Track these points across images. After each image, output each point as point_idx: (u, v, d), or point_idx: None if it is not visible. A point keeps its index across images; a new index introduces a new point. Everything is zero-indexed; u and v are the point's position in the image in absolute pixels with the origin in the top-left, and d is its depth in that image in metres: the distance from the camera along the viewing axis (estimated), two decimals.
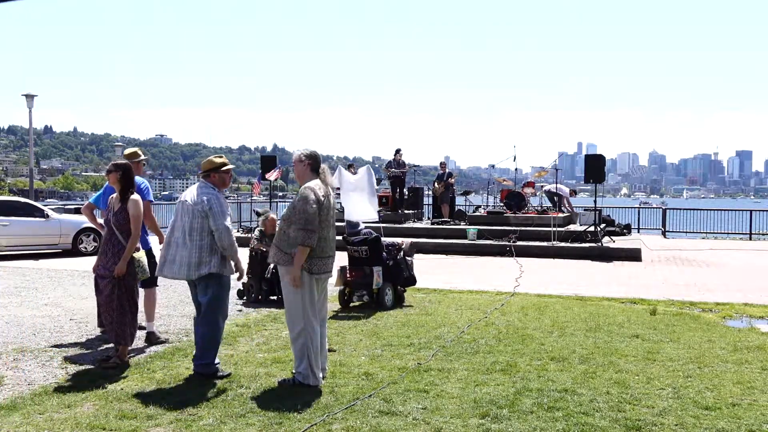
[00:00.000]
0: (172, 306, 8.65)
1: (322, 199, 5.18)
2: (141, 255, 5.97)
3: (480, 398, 4.88)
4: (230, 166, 5.69)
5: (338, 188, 21.65)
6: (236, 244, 5.49)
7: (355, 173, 20.90)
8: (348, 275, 8.77)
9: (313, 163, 5.35)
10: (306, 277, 5.17)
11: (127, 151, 6.93)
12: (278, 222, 5.50)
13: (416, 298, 9.34)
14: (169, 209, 23.73)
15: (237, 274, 5.64)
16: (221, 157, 5.71)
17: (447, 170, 19.80)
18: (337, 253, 5.65)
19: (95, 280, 6.06)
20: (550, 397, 4.89)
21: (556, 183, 19.88)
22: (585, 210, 18.07)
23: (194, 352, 5.54)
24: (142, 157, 6.99)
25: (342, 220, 10.18)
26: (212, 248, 5.38)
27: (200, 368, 5.42)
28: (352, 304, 8.79)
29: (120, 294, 5.77)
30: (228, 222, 5.42)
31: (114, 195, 5.99)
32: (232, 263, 5.54)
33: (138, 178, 6.79)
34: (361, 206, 10.31)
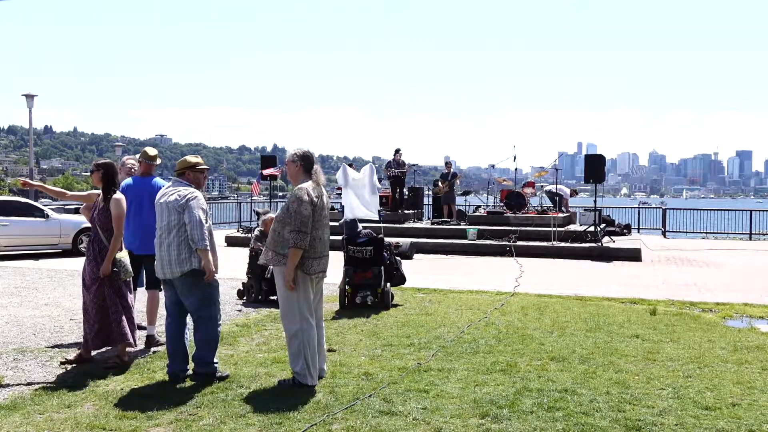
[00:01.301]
0: None
1: (316, 200, 5.19)
2: (122, 254, 5.92)
3: (480, 398, 4.88)
4: (205, 167, 5.64)
5: (339, 187, 21.61)
6: (207, 242, 5.25)
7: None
8: (355, 276, 8.71)
9: (305, 164, 5.34)
10: (301, 277, 5.17)
11: (151, 152, 6.88)
12: (272, 223, 5.46)
13: (416, 298, 9.34)
14: None
15: (206, 275, 5.32)
16: (197, 156, 5.69)
17: (452, 170, 19.81)
18: (332, 253, 5.62)
19: (83, 286, 5.96)
20: (550, 397, 4.89)
21: (557, 183, 19.89)
22: (585, 210, 18.07)
23: (192, 353, 5.48)
24: (159, 161, 7.00)
25: (336, 220, 10.20)
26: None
27: (200, 368, 5.40)
28: (353, 305, 8.77)
29: (110, 293, 5.78)
30: (203, 217, 5.28)
31: (99, 193, 5.96)
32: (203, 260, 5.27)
33: (161, 180, 6.80)
34: (362, 205, 10.31)
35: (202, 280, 5.35)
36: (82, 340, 6.08)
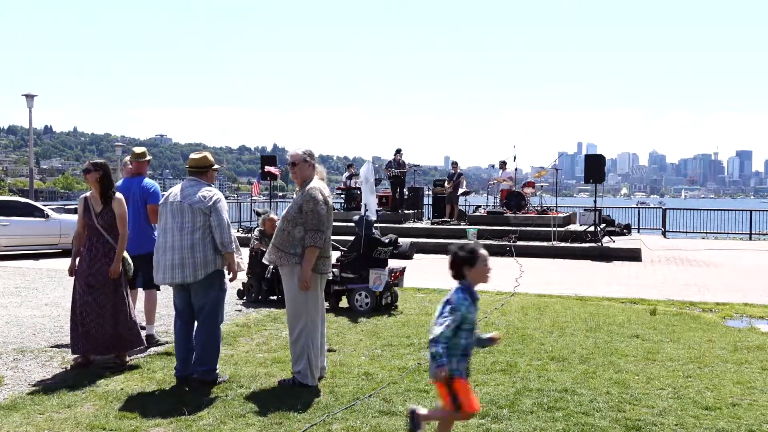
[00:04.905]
0: (172, 306, 8.62)
1: (328, 199, 5.20)
2: (125, 254, 5.94)
3: (480, 398, 4.87)
4: (218, 166, 5.67)
5: (339, 187, 21.35)
6: (234, 245, 5.34)
7: (356, 173, 20.89)
8: (391, 277, 8.55)
9: (315, 163, 5.36)
10: (314, 277, 5.17)
11: (138, 150, 6.86)
12: (278, 222, 5.46)
13: (416, 298, 9.34)
14: None
15: (230, 275, 5.40)
16: (209, 155, 5.66)
17: (458, 170, 19.86)
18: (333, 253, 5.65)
19: (78, 287, 5.80)
20: (550, 397, 4.89)
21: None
22: (585, 210, 18.08)
23: (193, 356, 5.38)
24: (149, 157, 6.97)
25: (342, 220, 10.16)
26: (215, 246, 5.25)
27: (202, 375, 5.28)
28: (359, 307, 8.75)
29: (115, 298, 5.77)
30: (228, 220, 5.34)
31: (92, 195, 5.82)
32: (228, 263, 5.33)
33: (150, 181, 6.79)
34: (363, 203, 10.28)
35: (218, 284, 5.34)
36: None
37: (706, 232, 22.14)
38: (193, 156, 5.58)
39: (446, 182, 19.84)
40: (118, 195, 5.88)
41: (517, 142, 43.79)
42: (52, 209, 16.51)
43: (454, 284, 3.82)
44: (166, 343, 6.65)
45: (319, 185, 5.22)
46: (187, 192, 5.33)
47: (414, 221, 19.54)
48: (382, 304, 8.47)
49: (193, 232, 5.23)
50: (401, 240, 15.16)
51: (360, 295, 8.43)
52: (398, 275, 8.75)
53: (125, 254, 5.94)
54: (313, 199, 5.11)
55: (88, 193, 5.91)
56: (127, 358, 5.89)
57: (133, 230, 6.50)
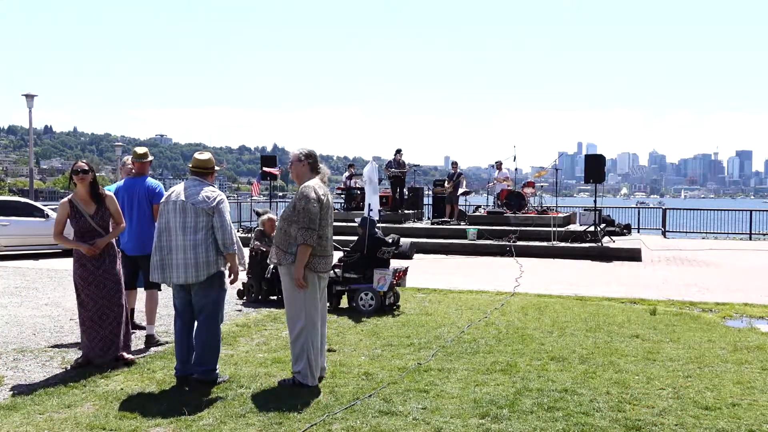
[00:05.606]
0: (172, 306, 8.62)
1: (323, 197, 5.19)
2: None
3: (480, 398, 4.88)
4: (218, 168, 5.69)
5: (339, 187, 21.33)
6: (236, 246, 5.33)
7: (356, 173, 20.88)
8: (395, 277, 8.54)
9: (312, 163, 5.35)
10: (310, 276, 5.17)
11: (140, 150, 6.85)
12: (278, 222, 5.47)
13: (416, 298, 9.34)
14: None
15: (232, 277, 5.36)
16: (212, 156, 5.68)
17: (458, 170, 19.89)
18: (336, 253, 5.64)
19: (90, 293, 5.72)
20: (550, 397, 4.89)
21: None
22: (585, 210, 18.08)
23: (193, 356, 5.37)
24: (151, 157, 6.97)
25: (345, 219, 10.14)
26: (218, 246, 5.25)
27: (202, 375, 5.27)
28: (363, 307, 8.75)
29: (124, 296, 5.81)
30: (231, 221, 5.35)
31: (78, 197, 5.74)
32: (229, 264, 5.32)
33: (154, 181, 6.80)
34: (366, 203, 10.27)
35: (219, 284, 5.34)
36: (82, 343, 6.00)
37: (706, 232, 22.15)
38: (198, 156, 5.54)
39: (446, 182, 19.85)
40: (108, 192, 5.92)
41: (517, 142, 43.90)
42: (52, 209, 16.49)
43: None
44: (166, 343, 6.65)
45: (313, 183, 5.22)
46: (191, 191, 5.32)
47: (414, 221, 19.54)
48: (385, 304, 8.46)
49: (195, 232, 5.22)
50: (401, 240, 15.20)
51: (366, 295, 8.40)
52: (401, 275, 8.76)
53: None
54: (305, 197, 5.12)
55: (69, 197, 5.81)
56: (123, 355, 5.88)
57: (136, 230, 6.51)
